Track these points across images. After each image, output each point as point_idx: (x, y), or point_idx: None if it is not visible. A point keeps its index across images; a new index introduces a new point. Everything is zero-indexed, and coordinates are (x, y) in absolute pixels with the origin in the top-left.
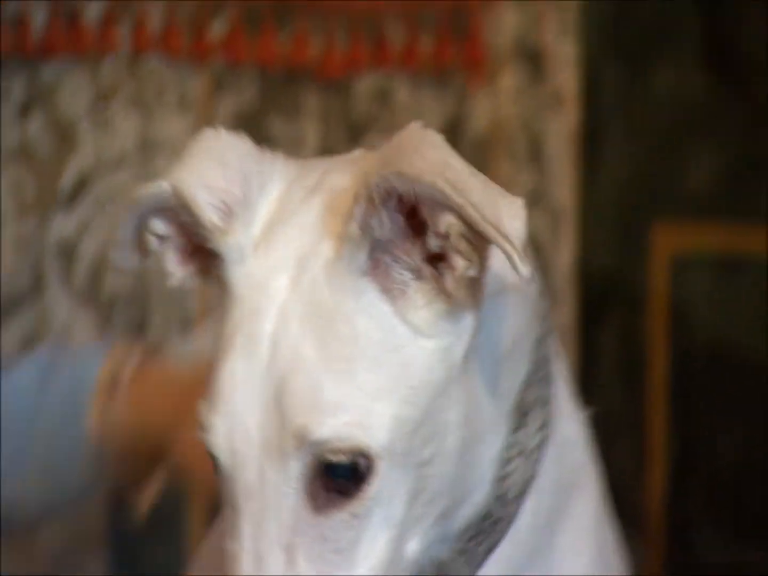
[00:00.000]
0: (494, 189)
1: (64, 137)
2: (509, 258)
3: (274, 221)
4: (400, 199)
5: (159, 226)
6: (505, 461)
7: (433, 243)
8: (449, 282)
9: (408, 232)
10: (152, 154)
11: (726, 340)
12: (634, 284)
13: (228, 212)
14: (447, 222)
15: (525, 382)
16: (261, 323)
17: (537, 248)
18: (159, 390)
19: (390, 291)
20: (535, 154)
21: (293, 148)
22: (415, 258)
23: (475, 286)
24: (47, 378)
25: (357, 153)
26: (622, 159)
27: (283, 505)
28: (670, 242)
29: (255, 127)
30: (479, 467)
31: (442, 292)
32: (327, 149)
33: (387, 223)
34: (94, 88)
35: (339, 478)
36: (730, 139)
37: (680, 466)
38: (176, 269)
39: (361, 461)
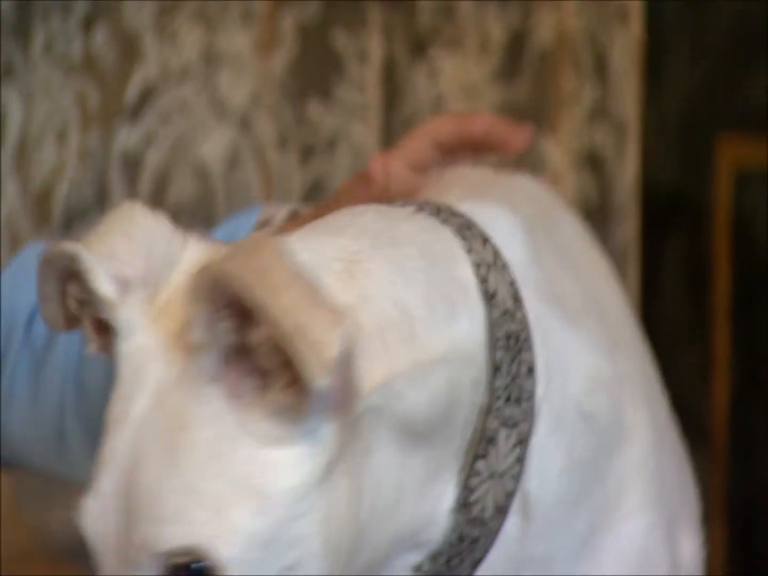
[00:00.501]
0: (316, 299)
1: (129, 49)
2: (301, 363)
3: (166, 303)
4: (232, 301)
5: (75, 290)
6: (469, 490)
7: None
8: (275, 394)
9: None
10: (215, 67)
11: None
12: (698, 199)
13: (125, 285)
14: (260, 332)
15: (479, 414)
16: (128, 411)
17: (601, 163)
18: None
19: (239, 398)
20: (600, 67)
21: (357, 62)
22: (254, 367)
23: (320, 396)
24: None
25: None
26: (686, 72)
27: None
28: (734, 156)
29: (318, 41)
30: (409, 522)
31: (285, 400)
32: (390, 63)
33: (228, 326)
34: (159, 0)
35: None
36: None
37: (744, 381)
38: (93, 336)
39: (211, 568)
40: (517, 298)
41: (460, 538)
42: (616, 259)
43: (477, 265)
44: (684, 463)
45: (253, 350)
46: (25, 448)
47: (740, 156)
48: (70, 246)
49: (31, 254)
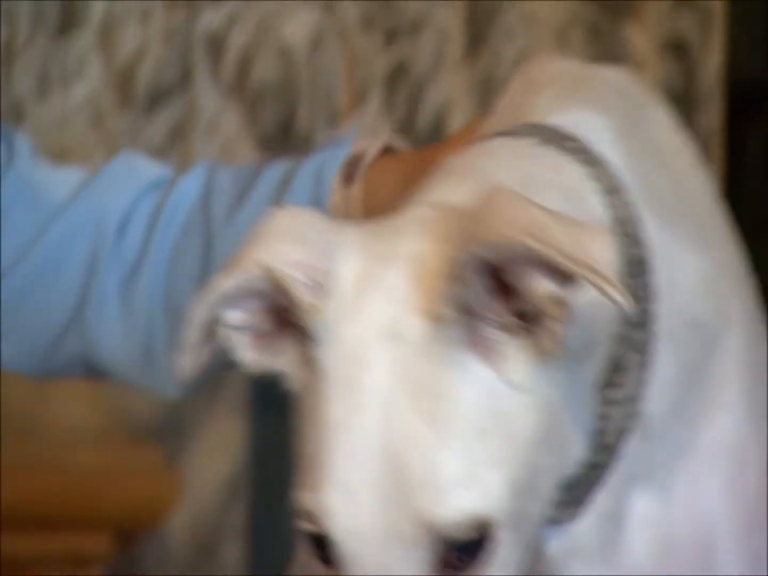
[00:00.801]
0: (577, 227)
1: None
2: (609, 295)
3: (357, 293)
4: (489, 266)
5: (234, 315)
6: (603, 419)
7: (525, 304)
8: (545, 340)
9: (500, 295)
10: None
11: None
12: None
13: (318, 289)
14: (538, 283)
15: (612, 342)
16: (363, 400)
17: (686, 50)
18: (397, 172)
19: (488, 355)
20: None
21: None
22: (509, 318)
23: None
24: (290, 177)
25: (424, 211)
26: None
27: None
28: None
29: None
30: (571, 452)
31: (538, 347)
32: None
33: (478, 294)
34: None
35: (462, 552)
36: None
37: None
38: (247, 356)
39: (485, 533)
40: (637, 220)
41: (593, 466)
42: (700, 146)
43: (604, 193)
44: None
45: (499, 308)
46: (112, 359)
47: None
48: (251, 268)
49: (122, 164)
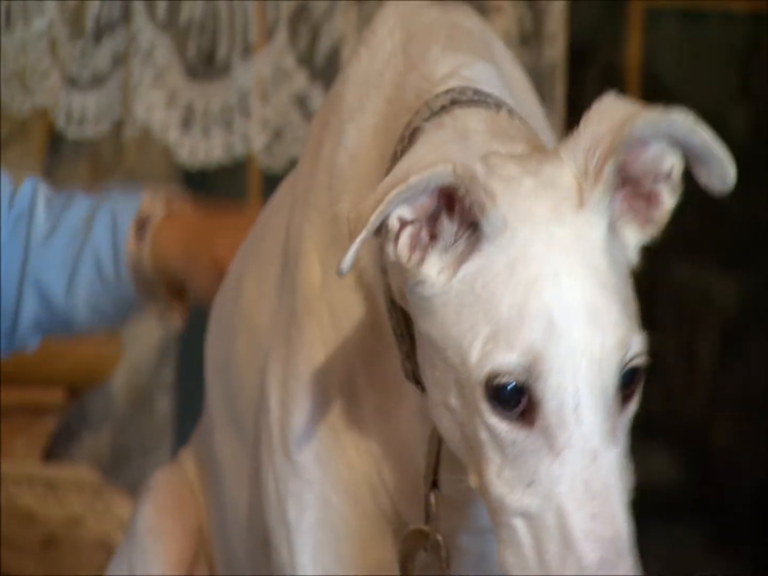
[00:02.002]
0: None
1: None
2: (726, 168)
3: (527, 193)
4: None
5: (406, 210)
6: None
7: (650, 184)
8: (659, 213)
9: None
10: None
11: None
12: (614, 36)
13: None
14: (671, 163)
15: None
16: (553, 260)
17: None
18: (178, 234)
19: (626, 224)
20: None
21: None
22: (631, 194)
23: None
24: (92, 218)
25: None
26: None
27: (609, 407)
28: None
29: None
30: None
31: (649, 221)
32: None
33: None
34: None
35: (628, 381)
36: None
37: None
38: (405, 252)
39: (637, 373)
40: None
41: None
42: (546, 77)
43: (532, 134)
44: None
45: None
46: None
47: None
48: (445, 166)
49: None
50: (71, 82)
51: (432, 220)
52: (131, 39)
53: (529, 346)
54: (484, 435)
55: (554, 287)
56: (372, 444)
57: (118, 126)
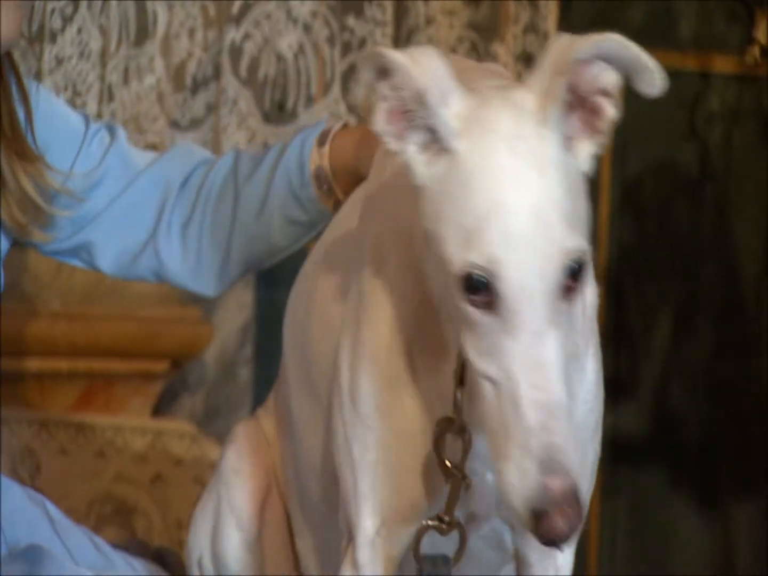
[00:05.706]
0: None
1: None
2: (655, 74)
3: (484, 105)
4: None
5: (383, 87)
6: None
7: (595, 98)
8: (604, 123)
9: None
10: None
11: None
12: None
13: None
14: (610, 77)
15: None
16: (512, 171)
17: (534, 61)
18: (350, 136)
19: (580, 141)
20: None
21: None
22: (581, 111)
23: None
24: (285, 147)
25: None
26: None
27: (552, 298)
28: None
29: None
30: None
31: (597, 131)
32: None
33: (565, 85)
34: None
35: (571, 276)
36: None
37: None
38: (382, 123)
39: (582, 264)
40: None
41: None
42: None
43: None
44: None
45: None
46: (173, 271)
47: None
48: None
49: (183, 147)
50: (175, 125)
51: (408, 113)
52: (221, 92)
53: (489, 255)
54: (460, 316)
55: (511, 197)
56: (423, 397)
57: None
